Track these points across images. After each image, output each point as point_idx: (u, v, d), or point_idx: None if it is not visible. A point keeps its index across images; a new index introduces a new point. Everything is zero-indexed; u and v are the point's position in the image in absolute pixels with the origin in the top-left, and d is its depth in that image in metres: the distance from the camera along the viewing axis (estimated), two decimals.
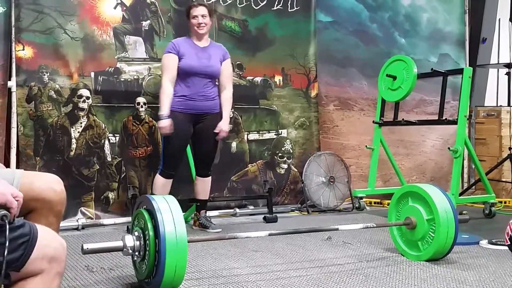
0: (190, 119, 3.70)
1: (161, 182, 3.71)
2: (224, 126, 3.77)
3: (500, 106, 5.63)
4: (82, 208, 3.96)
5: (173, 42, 3.74)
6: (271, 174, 4.74)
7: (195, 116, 3.71)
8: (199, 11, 3.73)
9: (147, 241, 2.34)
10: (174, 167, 3.73)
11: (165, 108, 3.60)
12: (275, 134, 4.78)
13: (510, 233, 1.73)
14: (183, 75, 3.68)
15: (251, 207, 4.62)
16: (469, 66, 5.50)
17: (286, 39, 4.80)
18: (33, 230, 1.42)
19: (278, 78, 4.79)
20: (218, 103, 3.80)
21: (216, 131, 3.76)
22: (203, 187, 3.89)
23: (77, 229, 3.84)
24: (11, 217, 1.39)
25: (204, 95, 3.72)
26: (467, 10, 5.81)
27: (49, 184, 1.88)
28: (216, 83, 3.84)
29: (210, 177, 3.90)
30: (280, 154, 4.79)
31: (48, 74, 3.85)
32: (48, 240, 1.45)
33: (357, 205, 4.79)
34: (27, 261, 1.39)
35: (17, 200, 1.44)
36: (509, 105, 5.28)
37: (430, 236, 2.92)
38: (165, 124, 3.59)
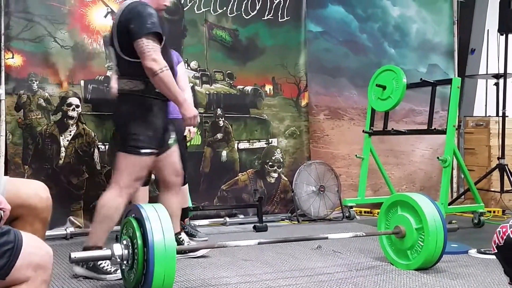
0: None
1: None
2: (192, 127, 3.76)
3: (489, 116, 5.67)
4: (71, 217, 3.93)
5: None
6: (261, 183, 4.74)
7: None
8: None
9: (136, 250, 2.33)
10: (150, 174, 3.71)
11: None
12: (265, 143, 4.78)
13: (497, 241, 1.73)
14: None
15: (241, 216, 4.61)
16: (458, 76, 5.55)
17: (276, 49, 4.82)
18: (18, 238, 1.41)
19: (268, 88, 4.81)
20: None
21: (186, 134, 3.77)
22: (183, 196, 3.84)
23: (65, 238, 3.81)
24: None
25: None
26: (456, 21, 5.86)
27: (35, 191, 1.87)
28: None
29: (187, 184, 3.86)
30: (270, 163, 4.79)
31: (38, 82, 3.84)
32: (33, 248, 1.44)
33: (347, 214, 4.79)
34: (12, 269, 1.38)
35: (3, 211, 1.43)
36: (497, 115, 5.32)
37: (419, 245, 2.93)
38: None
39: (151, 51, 2.68)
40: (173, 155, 3.05)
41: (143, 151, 2.80)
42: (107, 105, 4.05)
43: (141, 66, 2.71)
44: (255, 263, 3.14)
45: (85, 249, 2.73)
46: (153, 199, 3.88)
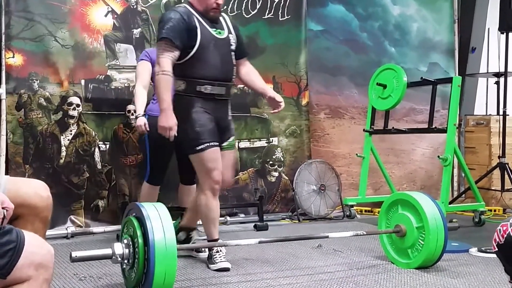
0: None
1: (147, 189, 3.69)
2: None
3: (490, 115, 5.66)
4: (72, 216, 3.94)
5: (146, 51, 3.70)
6: (262, 182, 4.74)
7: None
8: None
9: (136, 249, 2.33)
10: (162, 175, 3.70)
11: (140, 109, 3.54)
12: (266, 142, 4.78)
13: (497, 240, 1.74)
14: None
15: (242, 215, 4.61)
16: (459, 75, 5.54)
17: (277, 48, 4.81)
18: (20, 237, 1.41)
19: (269, 86, 4.78)
20: None
21: None
22: (191, 195, 3.83)
23: (66, 237, 3.81)
24: None
25: None
26: (457, 20, 5.85)
27: (36, 190, 1.87)
28: None
29: (195, 185, 3.85)
30: (271, 162, 4.79)
31: (38, 81, 3.84)
32: (35, 247, 1.44)
33: (347, 213, 4.79)
34: (13, 268, 1.38)
35: (6, 210, 1.44)
36: (498, 114, 5.31)
37: (419, 244, 2.93)
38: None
39: (159, 55, 2.88)
40: (224, 159, 3.03)
41: (198, 148, 2.89)
42: (108, 104, 4.07)
43: (180, 67, 2.91)
44: (256, 262, 3.14)
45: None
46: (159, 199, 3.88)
